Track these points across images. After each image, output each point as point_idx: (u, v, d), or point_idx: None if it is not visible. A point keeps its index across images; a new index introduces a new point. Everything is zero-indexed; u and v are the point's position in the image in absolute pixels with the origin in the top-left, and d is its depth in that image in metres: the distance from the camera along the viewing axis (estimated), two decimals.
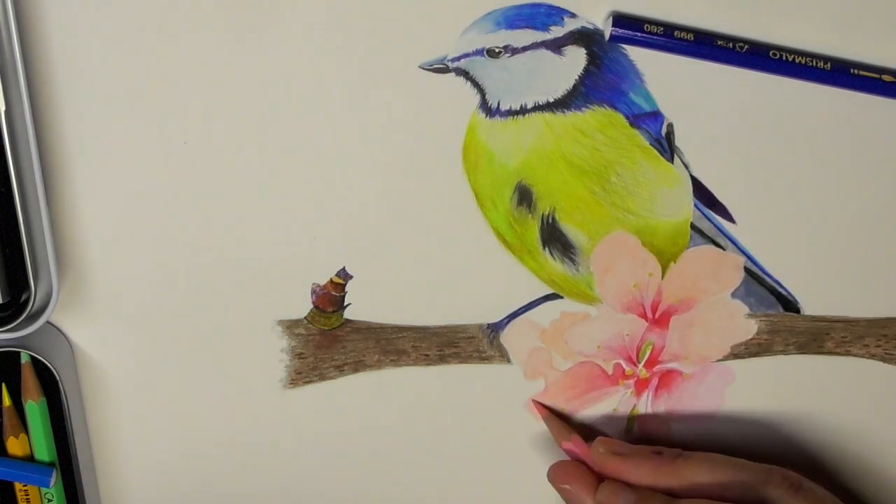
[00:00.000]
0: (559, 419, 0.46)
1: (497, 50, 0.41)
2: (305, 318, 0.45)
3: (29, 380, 0.43)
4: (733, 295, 0.46)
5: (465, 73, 0.41)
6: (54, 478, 0.44)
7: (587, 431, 0.47)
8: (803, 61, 0.41)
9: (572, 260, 0.44)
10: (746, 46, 0.40)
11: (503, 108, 0.42)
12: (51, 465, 0.44)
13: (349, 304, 0.45)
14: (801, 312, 0.46)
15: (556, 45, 0.41)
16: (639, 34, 0.40)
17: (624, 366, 0.47)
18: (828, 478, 0.49)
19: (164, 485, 0.48)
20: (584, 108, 0.42)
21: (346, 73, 0.41)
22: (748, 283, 0.45)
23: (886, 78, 0.41)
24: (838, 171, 0.44)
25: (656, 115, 0.42)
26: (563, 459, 0.46)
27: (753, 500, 0.41)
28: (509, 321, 0.46)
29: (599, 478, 0.44)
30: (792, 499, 0.41)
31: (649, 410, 0.48)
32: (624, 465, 0.43)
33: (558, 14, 0.41)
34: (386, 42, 0.41)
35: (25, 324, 0.42)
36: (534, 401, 0.47)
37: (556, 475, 0.45)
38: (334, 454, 0.48)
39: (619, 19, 0.40)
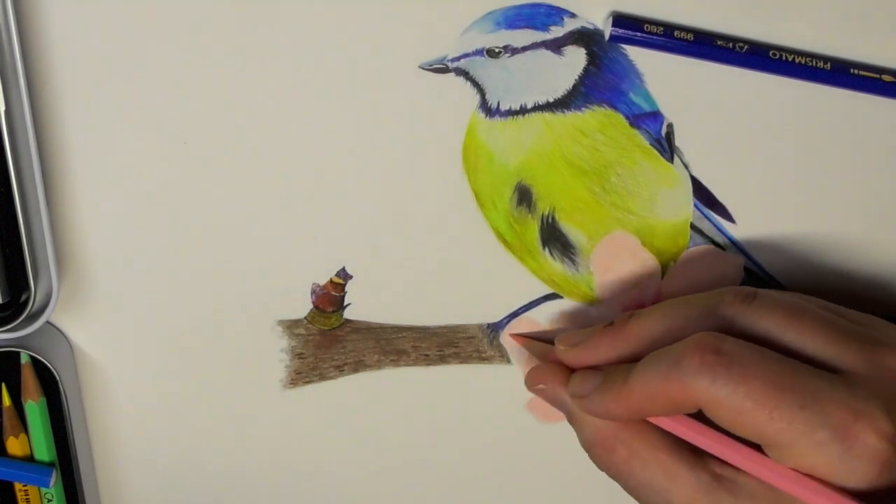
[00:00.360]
0: (538, 340, 0.45)
1: (497, 50, 0.41)
2: (305, 318, 0.45)
3: (29, 380, 0.43)
4: None
5: (465, 73, 0.41)
6: (54, 478, 0.44)
7: None
8: (803, 61, 0.41)
9: (572, 260, 0.44)
10: (746, 46, 0.40)
11: (503, 108, 0.42)
12: (51, 465, 0.44)
13: (349, 304, 0.45)
14: None
15: (556, 45, 0.41)
16: (639, 34, 0.40)
17: None
18: None
19: (164, 485, 0.48)
20: (583, 108, 0.42)
21: (346, 73, 0.41)
22: (748, 283, 0.45)
23: (886, 78, 0.41)
24: (838, 171, 0.44)
25: (656, 115, 0.42)
26: (538, 364, 0.44)
27: (714, 328, 0.38)
28: (509, 321, 0.46)
29: (571, 371, 0.42)
30: (748, 310, 0.38)
31: None
32: (584, 352, 0.41)
33: (558, 14, 0.41)
34: (386, 42, 0.41)
35: (25, 324, 0.42)
36: (511, 334, 0.46)
37: (530, 378, 0.43)
38: (334, 454, 0.48)
39: (619, 19, 0.40)
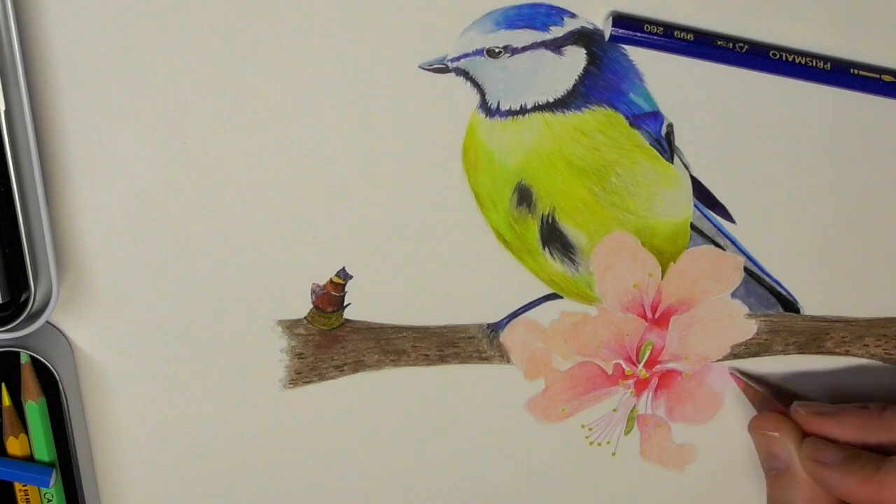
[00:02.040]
0: (758, 390, 0.46)
1: (497, 50, 0.41)
2: (305, 318, 0.45)
3: (29, 380, 0.43)
4: (733, 295, 0.46)
5: (464, 73, 0.41)
6: (54, 478, 0.44)
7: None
8: (803, 61, 0.41)
9: (572, 260, 0.44)
10: (746, 46, 0.40)
11: (503, 108, 0.42)
12: (51, 464, 0.44)
13: (349, 304, 0.45)
14: (801, 312, 0.46)
15: (556, 45, 0.41)
16: (639, 34, 0.40)
17: (624, 366, 0.47)
18: None
19: (164, 484, 0.48)
20: (583, 108, 0.42)
21: (346, 73, 0.41)
22: (748, 283, 0.45)
23: (886, 78, 0.41)
24: (838, 171, 0.44)
25: (656, 115, 0.42)
26: (770, 411, 0.45)
27: None
28: (509, 321, 0.46)
29: (804, 433, 0.44)
30: None
31: (649, 411, 0.48)
32: (829, 423, 0.43)
33: (558, 14, 0.41)
34: (386, 42, 0.41)
35: (25, 324, 0.42)
36: (732, 374, 0.47)
37: (761, 422, 0.45)
38: (334, 454, 0.48)
39: (619, 19, 0.40)
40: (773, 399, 0.46)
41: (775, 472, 0.44)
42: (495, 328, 0.46)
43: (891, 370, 0.47)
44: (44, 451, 0.44)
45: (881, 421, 0.42)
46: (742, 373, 0.47)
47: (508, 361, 0.46)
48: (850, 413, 0.43)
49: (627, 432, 0.48)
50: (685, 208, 0.44)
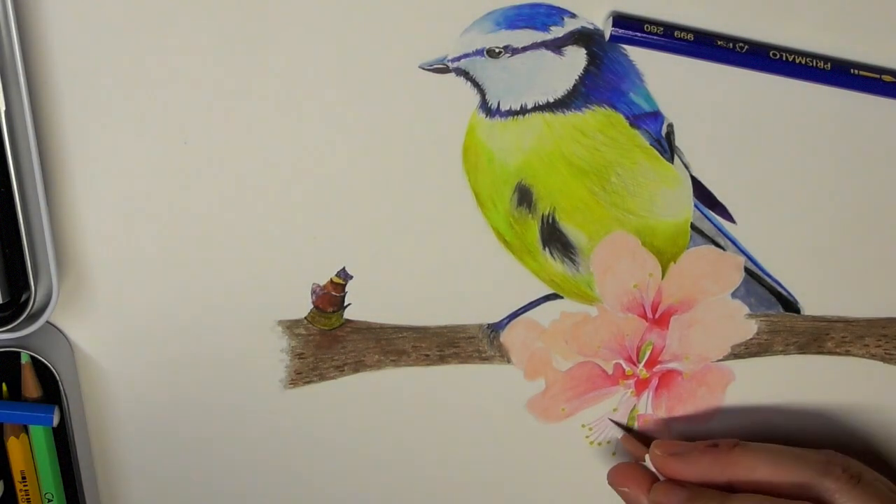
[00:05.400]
0: (633, 437, 0.47)
1: (497, 50, 0.41)
2: (305, 318, 0.45)
3: (29, 380, 0.43)
4: (733, 295, 0.46)
5: (465, 73, 0.41)
6: (56, 416, 0.43)
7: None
8: (803, 61, 0.41)
9: (572, 260, 0.44)
10: (746, 46, 0.40)
11: (503, 108, 0.42)
12: (51, 405, 0.43)
13: (349, 304, 0.45)
14: (801, 312, 0.46)
15: (556, 46, 0.41)
16: (639, 34, 0.40)
17: (624, 366, 0.47)
18: None
19: (164, 484, 0.48)
20: (584, 109, 0.42)
21: (346, 73, 0.41)
22: (748, 283, 0.45)
23: (886, 78, 0.41)
24: (838, 171, 0.44)
25: (656, 115, 0.42)
26: (622, 462, 0.46)
27: (810, 494, 0.41)
28: (509, 321, 0.46)
29: (656, 478, 0.44)
30: (851, 490, 0.40)
31: (649, 411, 0.48)
32: (681, 464, 0.43)
33: (558, 14, 0.41)
34: (386, 42, 0.41)
35: (25, 324, 0.42)
36: (622, 438, 0.47)
37: (614, 478, 0.45)
38: (334, 454, 0.48)
39: (619, 19, 0.40)
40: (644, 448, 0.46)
41: None
42: (496, 328, 0.46)
43: (891, 370, 0.47)
44: (44, 450, 0.44)
45: (730, 458, 0.42)
46: (619, 424, 0.47)
47: (509, 361, 0.46)
48: (699, 451, 0.43)
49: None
50: (685, 208, 0.44)
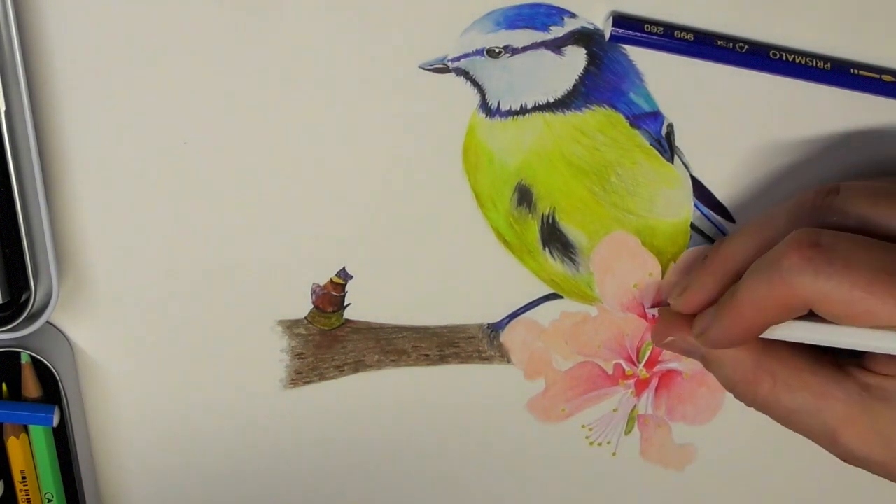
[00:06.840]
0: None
1: (497, 50, 0.41)
2: (305, 318, 0.45)
3: (29, 380, 0.43)
4: None
5: (465, 73, 0.41)
6: (57, 416, 0.43)
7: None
8: (803, 61, 0.41)
9: (572, 260, 0.44)
10: (746, 46, 0.40)
11: (503, 108, 0.42)
12: (52, 404, 0.43)
13: (349, 304, 0.45)
14: None
15: (556, 45, 0.41)
16: (639, 34, 0.40)
17: (624, 366, 0.47)
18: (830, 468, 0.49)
19: (165, 484, 0.48)
20: (584, 108, 0.42)
21: (345, 73, 0.41)
22: None
23: (886, 78, 0.41)
24: (838, 171, 0.44)
25: (656, 115, 0.42)
26: (655, 325, 0.44)
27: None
28: (509, 321, 0.46)
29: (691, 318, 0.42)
30: (834, 202, 0.37)
31: (649, 411, 0.48)
32: (693, 294, 0.41)
33: (558, 14, 0.41)
34: (386, 42, 0.41)
35: (25, 324, 0.42)
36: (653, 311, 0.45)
37: (657, 335, 0.43)
38: (334, 454, 0.48)
39: (619, 19, 0.40)
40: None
41: (703, 363, 0.42)
42: (495, 328, 0.46)
43: None
44: (44, 451, 0.44)
45: (722, 257, 0.40)
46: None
47: (509, 361, 0.46)
48: (697, 272, 0.41)
49: (628, 432, 0.48)
50: (685, 208, 0.44)
